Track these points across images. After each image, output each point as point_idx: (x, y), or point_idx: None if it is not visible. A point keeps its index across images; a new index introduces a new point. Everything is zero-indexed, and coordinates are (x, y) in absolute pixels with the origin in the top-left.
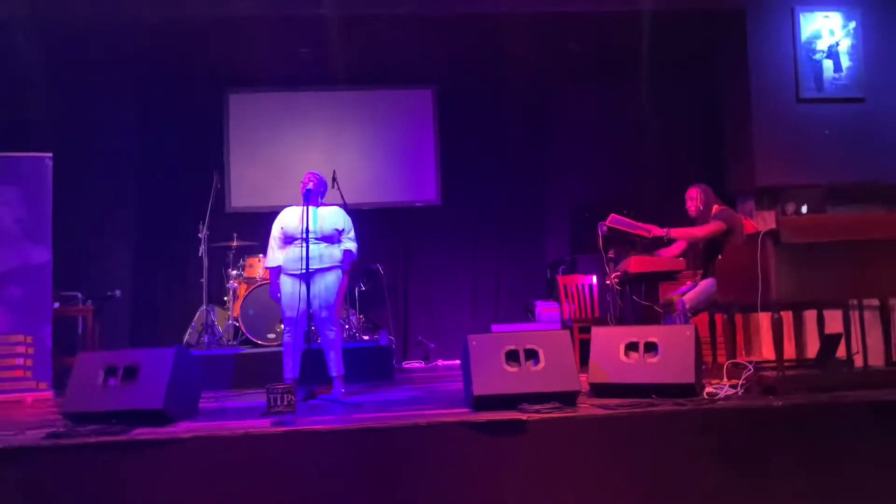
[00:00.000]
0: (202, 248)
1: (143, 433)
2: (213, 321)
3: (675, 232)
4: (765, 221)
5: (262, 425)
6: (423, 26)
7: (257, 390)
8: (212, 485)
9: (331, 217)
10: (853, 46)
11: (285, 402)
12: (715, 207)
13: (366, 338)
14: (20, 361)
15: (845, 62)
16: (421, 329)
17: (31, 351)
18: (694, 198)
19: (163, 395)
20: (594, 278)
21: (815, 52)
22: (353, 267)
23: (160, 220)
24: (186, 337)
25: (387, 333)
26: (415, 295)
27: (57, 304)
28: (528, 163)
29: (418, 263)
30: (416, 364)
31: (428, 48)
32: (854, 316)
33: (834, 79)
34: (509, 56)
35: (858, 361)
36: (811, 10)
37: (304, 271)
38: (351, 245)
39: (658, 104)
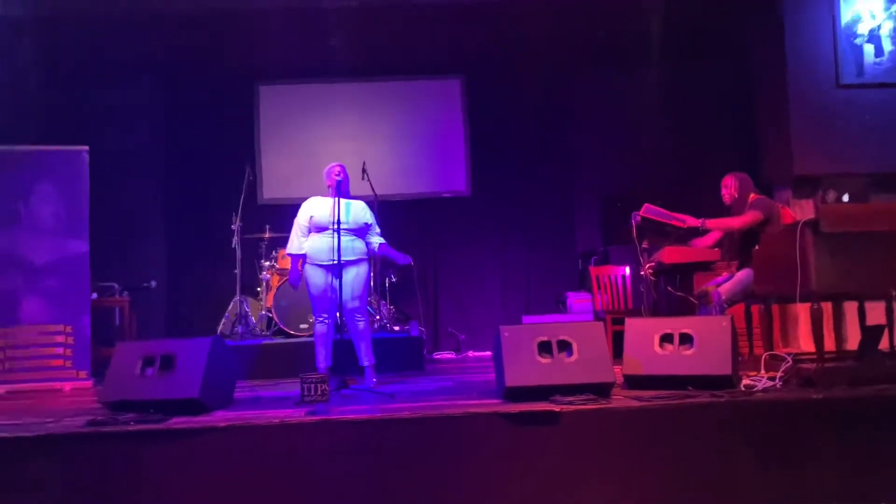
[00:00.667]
0: (235, 240)
1: (180, 422)
2: (247, 312)
3: (710, 222)
4: (802, 210)
5: (297, 414)
6: (450, 16)
7: (290, 380)
8: (247, 472)
9: (360, 211)
10: (895, 29)
11: (319, 392)
12: (752, 196)
13: (396, 328)
14: (60, 351)
15: (887, 46)
16: (451, 320)
17: (70, 340)
18: (728, 185)
19: (199, 384)
20: (627, 269)
21: (855, 35)
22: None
23: (194, 212)
24: (220, 327)
25: (417, 324)
26: (445, 286)
27: (95, 295)
28: (557, 152)
29: (448, 254)
30: (446, 355)
31: (456, 38)
32: None
33: (875, 63)
34: (537, 44)
35: None
36: None
37: (335, 262)
38: (380, 239)
39: (689, 90)
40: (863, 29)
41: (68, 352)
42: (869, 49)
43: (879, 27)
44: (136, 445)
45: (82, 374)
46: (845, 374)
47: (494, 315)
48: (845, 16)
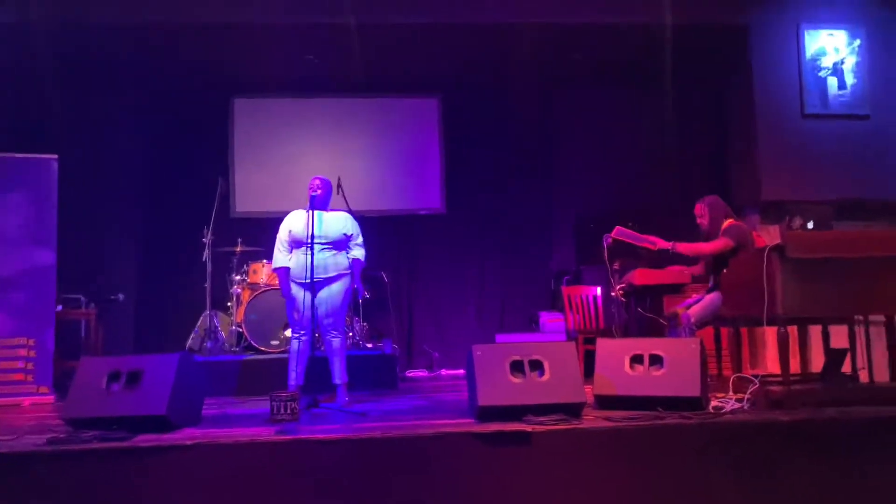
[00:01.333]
0: (206, 253)
1: (145, 440)
2: (217, 326)
3: (680, 246)
4: (770, 235)
5: (266, 433)
6: (429, 35)
7: (260, 397)
8: (214, 492)
9: (338, 222)
10: (857, 64)
11: (289, 411)
12: (727, 222)
13: (369, 346)
14: (21, 365)
15: (850, 79)
16: (425, 338)
17: (32, 354)
18: (700, 214)
19: (166, 401)
20: (599, 289)
21: (819, 68)
22: (363, 274)
23: (165, 224)
24: (189, 342)
25: (391, 342)
26: (419, 303)
27: (60, 307)
28: (533, 172)
29: (423, 271)
30: (420, 373)
31: (434, 57)
32: (859, 331)
33: (838, 95)
34: (514, 66)
35: (864, 377)
36: (816, 28)
37: (321, 277)
38: (359, 252)
39: (663, 116)
40: (827, 62)
41: (30, 366)
42: (833, 82)
43: (842, 61)
44: (99, 464)
45: (44, 388)
46: (811, 396)
47: (468, 333)
48: (810, 49)
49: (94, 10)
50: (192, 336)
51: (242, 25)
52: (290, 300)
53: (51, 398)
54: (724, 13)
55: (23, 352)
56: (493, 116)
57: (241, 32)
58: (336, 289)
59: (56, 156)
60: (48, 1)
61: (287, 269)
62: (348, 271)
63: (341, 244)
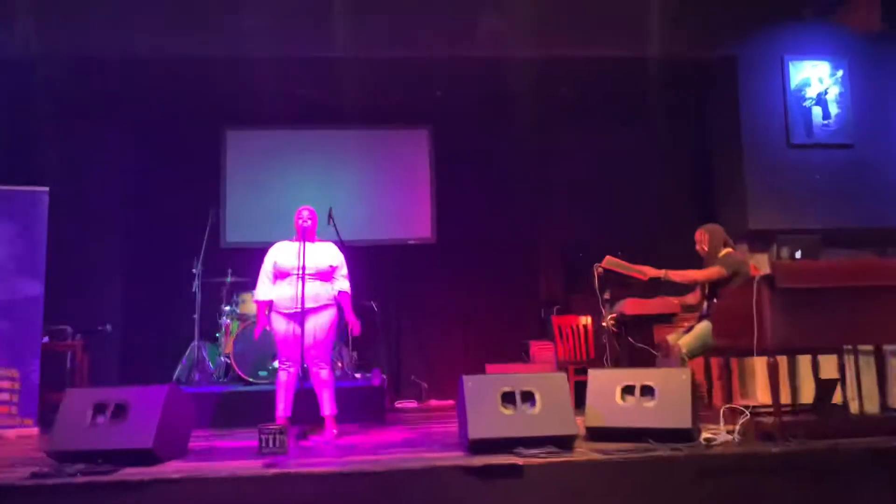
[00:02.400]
0: (196, 283)
1: (131, 473)
2: (205, 357)
3: (672, 274)
4: (757, 263)
5: (254, 467)
6: (419, 68)
7: (247, 429)
8: None
9: (325, 253)
10: (841, 94)
11: (277, 443)
12: (724, 251)
13: (358, 376)
14: (6, 397)
15: (834, 109)
16: (414, 368)
17: (16, 386)
18: (700, 240)
19: (153, 434)
20: (589, 319)
21: (804, 98)
22: (354, 301)
23: (154, 255)
24: (177, 373)
25: (379, 372)
26: (408, 333)
27: (46, 339)
28: (522, 202)
29: (412, 301)
30: (409, 403)
31: (424, 89)
32: (849, 361)
33: (823, 125)
34: (504, 97)
35: (854, 407)
36: (800, 59)
37: (299, 310)
38: (345, 284)
39: (650, 146)
40: (811, 93)
41: (14, 398)
42: (817, 111)
43: (826, 91)
44: (84, 498)
45: (28, 421)
46: (802, 428)
47: (458, 363)
48: (795, 80)
49: (85, 43)
50: (179, 367)
51: (235, 59)
52: (274, 332)
53: (35, 431)
54: (711, 46)
55: (7, 384)
56: (483, 147)
57: (234, 65)
58: (323, 319)
59: (47, 188)
60: (39, 34)
61: (270, 302)
62: (334, 302)
63: (327, 275)
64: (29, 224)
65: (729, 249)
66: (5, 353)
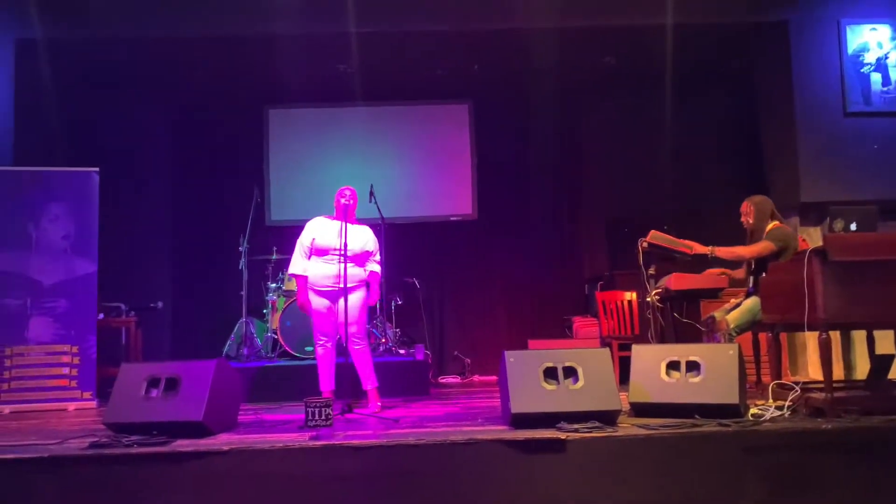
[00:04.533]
0: (242, 261)
1: (183, 445)
2: (252, 333)
3: (719, 250)
4: (809, 237)
5: (301, 439)
6: (459, 42)
7: (294, 403)
8: (251, 497)
9: (362, 237)
10: None
11: (323, 416)
12: (772, 224)
13: (402, 352)
14: (66, 371)
15: (894, 75)
16: (457, 343)
17: (76, 361)
18: (746, 212)
19: (203, 407)
20: (633, 294)
21: (862, 64)
22: (381, 288)
23: (201, 234)
24: (226, 349)
25: (423, 348)
26: (450, 309)
27: (101, 316)
28: (564, 177)
29: (454, 277)
30: (452, 379)
31: (464, 63)
32: None
33: (883, 92)
34: (544, 70)
35: None
36: (858, 23)
37: (335, 288)
38: (377, 267)
39: (697, 116)
40: (870, 58)
41: (74, 372)
42: (876, 78)
43: (887, 56)
44: (140, 468)
45: (87, 394)
46: (856, 404)
47: (500, 339)
48: (852, 45)
49: (129, 25)
50: (228, 343)
51: (274, 37)
52: (310, 310)
53: (94, 403)
54: (761, 10)
55: (66, 358)
56: (524, 121)
57: (273, 44)
58: (355, 298)
59: (97, 169)
60: (86, 16)
61: (306, 277)
62: (364, 281)
63: (362, 259)
64: (81, 204)
65: (776, 222)
66: (64, 329)
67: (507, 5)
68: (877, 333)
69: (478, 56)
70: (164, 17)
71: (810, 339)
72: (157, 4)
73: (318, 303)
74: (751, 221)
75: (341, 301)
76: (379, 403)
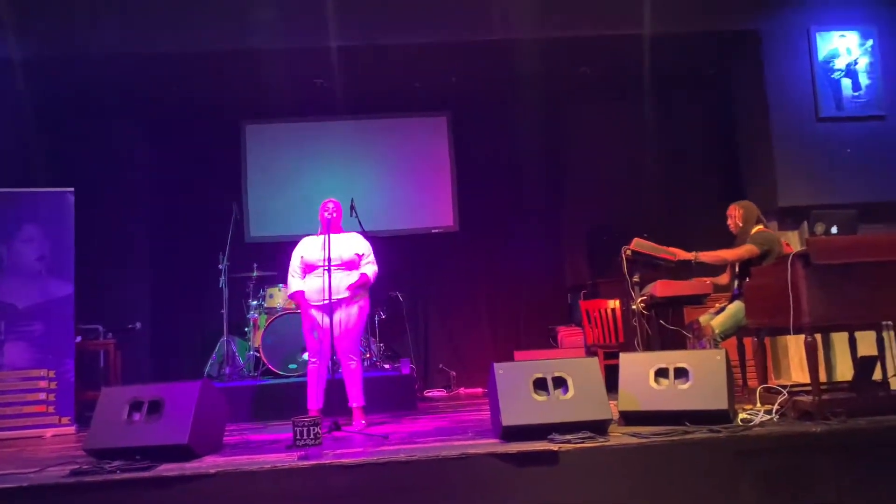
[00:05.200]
0: (222, 279)
1: (168, 469)
2: (234, 352)
3: (703, 255)
4: (788, 241)
5: (289, 459)
6: (436, 54)
7: (280, 422)
8: None
9: (350, 243)
10: (871, 64)
11: (311, 435)
12: (756, 228)
13: (387, 366)
14: (42, 396)
15: (864, 80)
16: (441, 356)
17: (53, 385)
18: (732, 215)
19: (188, 429)
20: (617, 302)
21: (833, 70)
22: (365, 287)
23: (180, 252)
24: (207, 368)
25: (408, 362)
26: (434, 322)
27: (79, 338)
28: (544, 186)
29: (437, 290)
30: (438, 392)
31: (442, 75)
32: (888, 337)
33: (853, 97)
34: (522, 81)
35: (894, 384)
36: (827, 30)
37: (326, 301)
38: (369, 269)
39: (675, 123)
40: (840, 64)
41: (51, 397)
42: (847, 83)
43: (856, 62)
44: (123, 495)
45: (65, 419)
46: (843, 406)
47: (485, 350)
48: (822, 51)
49: (103, 41)
50: (209, 362)
51: (250, 52)
52: (309, 322)
53: (72, 429)
54: (732, 19)
55: (43, 383)
56: (503, 132)
57: (250, 58)
58: (352, 311)
59: (72, 189)
60: (62, 34)
61: (303, 292)
62: (363, 293)
63: (354, 264)
64: (56, 225)
65: (760, 227)
66: (41, 353)
67: (483, 17)
68: (857, 334)
69: (455, 68)
70: (140, 34)
71: (792, 342)
72: (133, 22)
73: (313, 319)
74: (739, 224)
75: (337, 313)
76: (363, 422)
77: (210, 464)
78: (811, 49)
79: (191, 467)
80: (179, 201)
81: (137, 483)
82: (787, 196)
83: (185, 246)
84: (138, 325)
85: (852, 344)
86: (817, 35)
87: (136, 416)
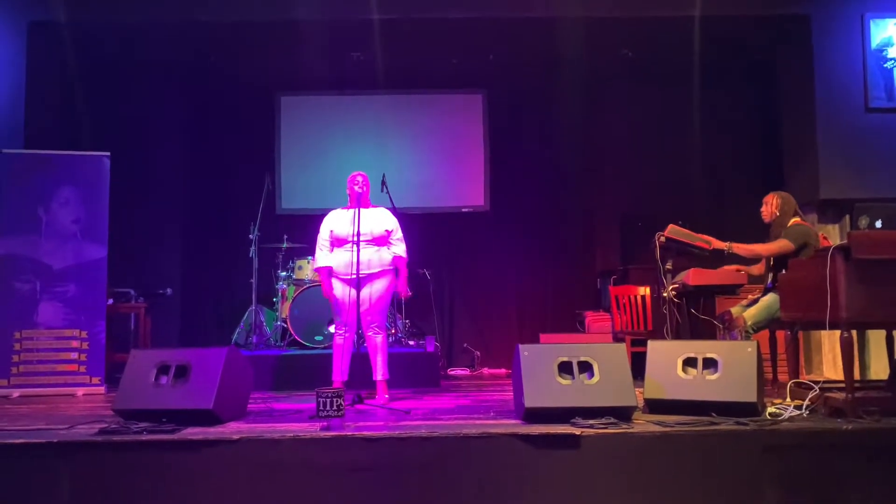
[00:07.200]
0: (252, 249)
1: (193, 433)
2: (262, 322)
3: (737, 247)
4: (827, 235)
5: (311, 429)
6: (474, 30)
7: (304, 392)
8: (259, 486)
9: (379, 218)
10: None
11: (334, 407)
12: (793, 221)
13: (412, 343)
14: (74, 356)
15: None
16: (466, 336)
17: (85, 346)
18: (769, 202)
19: (213, 395)
20: (647, 289)
21: (885, 59)
22: (409, 269)
23: (212, 221)
24: (235, 336)
25: (433, 339)
26: (460, 301)
27: (111, 301)
28: (577, 169)
29: (465, 269)
30: (461, 371)
31: (479, 52)
32: None
33: None
34: (561, 61)
35: None
36: (882, 17)
37: (354, 276)
38: (400, 248)
39: (713, 111)
40: (893, 53)
41: (83, 357)
42: None
43: None
44: (148, 455)
45: (96, 379)
46: (876, 405)
47: (510, 332)
48: (875, 39)
49: (141, 9)
50: (237, 331)
51: (287, 23)
52: (333, 298)
53: (102, 389)
54: (783, 3)
55: (76, 343)
56: (539, 113)
57: (287, 30)
58: (379, 285)
59: (108, 153)
60: (97, 1)
61: (329, 268)
62: (391, 267)
63: (383, 240)
64: (92, 189)
65: (797, 219)
66: (74, 314)
67: None
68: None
69: (493, 45)
70: (180, 2)
71: (826, 338)
72: None
73: (340, 291)
74: (776, 213)
75: (365, 288)
76: (386, 396)
77: (233, 430)
78: (864, 36)
79: (214, 432)
80: (213, 170)
81: (163, 445)
82: (830, 188)
83: (216, 216)
84: (169, 291)
85: (889, 343)
86: (871, 22)
87: (164, 380)
